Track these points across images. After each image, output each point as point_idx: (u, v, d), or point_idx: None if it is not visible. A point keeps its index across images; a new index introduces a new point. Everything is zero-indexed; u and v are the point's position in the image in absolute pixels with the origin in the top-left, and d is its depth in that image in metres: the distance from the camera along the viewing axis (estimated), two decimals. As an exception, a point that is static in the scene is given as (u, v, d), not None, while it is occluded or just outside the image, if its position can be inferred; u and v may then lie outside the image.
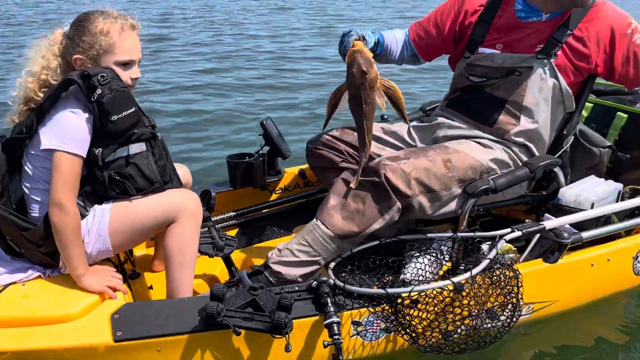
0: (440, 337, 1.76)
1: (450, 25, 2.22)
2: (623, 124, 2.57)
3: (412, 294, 1.72)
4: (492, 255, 1.77)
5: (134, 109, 1.71)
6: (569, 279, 2.06)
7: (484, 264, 1.75)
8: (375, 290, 1.71)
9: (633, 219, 2.18)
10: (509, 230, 1.93)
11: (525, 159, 2.12)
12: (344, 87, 1.89)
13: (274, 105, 5.57)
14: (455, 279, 1.70)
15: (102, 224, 1.73)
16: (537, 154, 2.13)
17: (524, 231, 1.91)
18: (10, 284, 1.68)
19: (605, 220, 2.14)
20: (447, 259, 2.06)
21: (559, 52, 2.03)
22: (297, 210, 2.65)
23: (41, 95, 1.69)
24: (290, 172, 2.67)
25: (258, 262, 2.12)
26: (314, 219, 1.98)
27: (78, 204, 1.68)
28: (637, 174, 2.51)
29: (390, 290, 1.70)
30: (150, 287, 2.07)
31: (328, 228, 1.92)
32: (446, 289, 1.72)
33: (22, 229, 1.67)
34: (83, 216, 1.70)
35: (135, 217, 1.75)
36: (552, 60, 2.03)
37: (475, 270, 1.72)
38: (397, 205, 1.92)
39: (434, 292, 1.73)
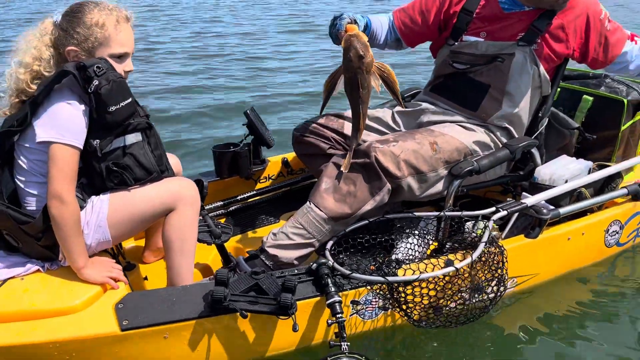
0: (432, 313, 1.84)
1: (436, 14, 2.30)
2: (589, 107, 2.71)
3: (407, 273, 1.80)
4: (486, 238, 1.85)
5: (130, 99, 1.71)
6: (549, 252, 2.18)
7: (481, 247, 1.81)
8: (380, 278, 1.74)
9: (602, 195, 2.33)
10: (493, 209, 2.03)
11: (505, 141, 2.22)
12: (340, 71, 1.91)
13: (253, 95, 5.60)
14: (458, 266, 1.76)
15: (101, 215, 1.72)
16: (516, 136, 2.24)
17: (509, 210, 2.01)
18: (9, 278, 1.66)
19: (578, 196, 2.28)
20: (432, 238, 2.16)
21: (539, 40, 2.14)
22: (283, 198, 2.69)
23: (34, 87, 1.66)
24: (273, 161, 2.70)
25: (249, 249, 2.16)
26: (307, 202, 2.02)
27: (76, 195, 1.67)
28: (603, 153, 2.67)
29: (392, 279, 1.75)
30: (145, 278, 2.07)
31: (321, 210, 1.96)
32: (448, 275, 1.78)
33: (21, 223, 1.65)
34: (81, 208, 1.69)
35: (135, 207, 1.75)
36: (532, 47, 2.14)
37: (475, 255, 1.78)
38: (387, 187, 1.98)
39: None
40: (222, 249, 2.08)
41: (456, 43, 2.26)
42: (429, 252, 2.11)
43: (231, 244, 2.32)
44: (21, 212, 1.67)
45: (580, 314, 2.19)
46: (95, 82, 1.61)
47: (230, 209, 2.54)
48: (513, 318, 2.14)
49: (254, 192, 2.61)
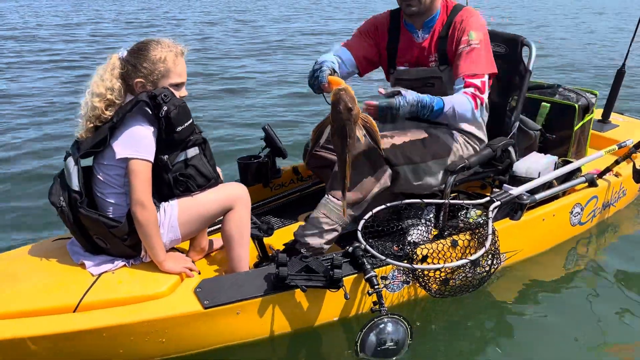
0: (443, 285, 2.25)
1: (374, 51, 2.65)
2: (547, 112, 3.23)
3: (423, 253, 2.21)
4: (490, 229, 2.26)
5: (191, 120, 2.06)
6: (528, 231, 2.65)
7: (490, 239, 2.21)
8: (417, 266, 2.13)
9: (566, 183, 2.83)
10: (488, 199, 2.47)
11: (473, 138, 2.63)
12: (327, 121, 2.01)
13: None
14: (473, 257, 2.15)
15: (172, 218, 2.05)
16: (478, 134, 2.63)
17: (502, 200, 2.46)
18: (102, 273, 1.96)
19: (548, 185, 2.77)
20: (432, 224, 2.59)
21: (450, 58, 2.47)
22: (297, 201, 3.06)
23: (108, 112, 1.97)
24: (285, 170, 3.08)
25: (275, 246, 2.53)
26: (325, 196, 2.39)
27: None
28: (561, 150, 3.20)
29: (420, 267, 2.13)
30: (199, 273, 2.39)
31: (339, 200, 2.33)
32: (467, 265, 2.18)
33: (109, 227, 1.95)
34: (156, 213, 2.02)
35: (200, 209, 2.10)
36: (449, 67, 2.48)
37: (487, 244, 2.19)
38: (388, 171, 2.38)
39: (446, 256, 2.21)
40: (261, 244, 2.43)
41: (395, 71, 2.65)
42: (431, 236, 2.53)
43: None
44: (110, 218, 1.98)
45: (553, 282, 2.68)
46: (165, 108, 1.94)
47: (254, 213, 2.88)
48: (503, 287, 2.59)
49: (273, 198, 2.98)
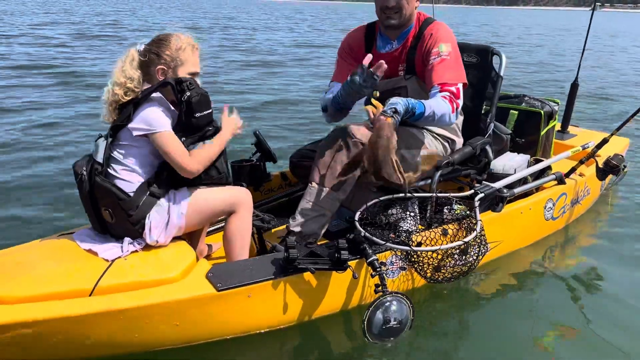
0: (435, 271, 2.38)
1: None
2: (515, 118, 3.49)
3: (417, 239, 2.34)
4: (479, 217, 2.44)
5: (210, 110, 2.17)
6: (508, 223, 2.84)
7: (479, 225, 2.38)
8: (416, 247, 2.27)
9: (539, 179, 3.05)
10: (472, 192, 2.65)
11: (439, 137, 2.77)
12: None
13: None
14: (467, 239, 2.30)
15: (182, 205, 2.12)
16: (450, 135, 2.80)
17: (486, 192, 2.64)
18: (115, 259, 1.99)
19: (523, 181, 2.98)
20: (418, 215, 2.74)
21: (418, 69, 2.61)
22: (286, 205, 3.14)
23: (127, 98, 2.08)
24: (274, 175, 3.18)
25: (272, 241, 2.59)
26: (310, 184, 2.50)
27: (155, 190, 2.08)
28: (529, 153, 3.43)
29: (418, 248, 2.27)
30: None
31: (324, 186, 2.45)
32: (460, 247, 2.32)
33: (119, 199, 2.02)
34: (164, 196, 2.09)
35: (208, 203, 2.17)
36: (414, 76, 2.63)
37: (478, 228, 2.35)
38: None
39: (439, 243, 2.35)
40: (260, 237, 2.50)
41: None
42: (420, 226, 2.67)
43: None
44: (121, 189, 2.04)
45: (533, 272, 2.87)
46: (188, 93, 2.06)
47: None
48: (488, 274, 2.76)
49: (263, 201, 3.06)
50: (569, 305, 2.60)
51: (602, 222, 3.60)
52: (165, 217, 2.08)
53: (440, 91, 2.44)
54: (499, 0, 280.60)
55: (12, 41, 13.23)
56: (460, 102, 2.47)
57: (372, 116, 2.15)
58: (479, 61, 3.15)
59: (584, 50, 4.10)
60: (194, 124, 2.10)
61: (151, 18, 19.95)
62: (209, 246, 2.62)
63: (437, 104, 2.38)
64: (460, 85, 2.49)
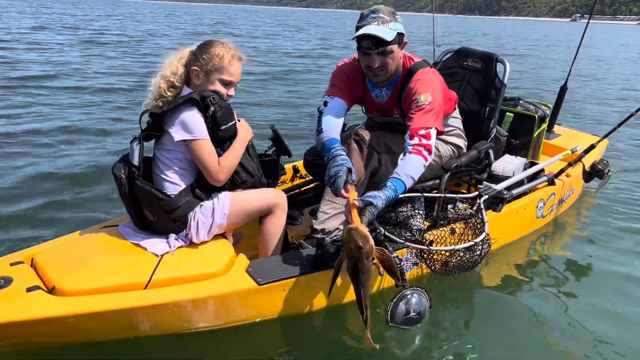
0: (444, 266, 2.62)
1: (352, 95, 2.82)
2: (510, 121, 3.73)
3: (429, 238, 2.57)
4: (485, 218, 2.66)
5: (234, 121, 2.31)
6: (506, 221, 3.10)
7: (486, 227, 2.61)
8: (434, 248, 2.48)
9: (533, 181, 3.32)
10: (477, 193, 2.88)
11: (441, 142, 2.95)
12: (343, 257, 2.04)
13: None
14: (476, 240, 2.53)
15: (224, 206, 2.28)
16: (448, 139, 2.97)
17: (489, 194, 2.88)
18: (164, 254, 2.15)
19: (520, 183, 3.23)
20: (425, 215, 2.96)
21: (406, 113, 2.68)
22: (300, 196, 3.33)
23: (169, 93, 2.21)
24: (287, 168, 3.34)
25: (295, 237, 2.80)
26: (327, 186, 2.66)
27: (199, 192, 2.24)
28: (522, 153, 3.69)
29: (434, 248, 2.49)
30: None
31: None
32: (470, 247, 2.55)
33: (159, 199, 2.17)
34: (207, 199, 2.25)
35: (247, 205, 2.34)
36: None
37: (486, 229, 2.58)
38: (375, 157, 2.71)
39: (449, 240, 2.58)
40: (285, 234, 2.68)
41: (368, 113, 3.01)
42: (426, 222, 2.89)
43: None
44: (162, 191, 2.19)
45: (524, 261, 3.16)
46: (212, 109, 2.20)
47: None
48: (490, 267, 3.02)
49: (279, 193, 3.23)
50: (555, 285, 2.91)
51: (582, 215, 3.93)
52: (209, 218, 2.23)
53: (410, 138, 2.48)
54: (481, 10, 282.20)
55: None
56: (432, 143, 2.48)
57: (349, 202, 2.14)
58: (483, 67, 3.35)
59: (575, 56, 4.36)
60: (220, 136, 2.25)
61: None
62: (235, 235, 2.78)
63: (412, 167, 2.40)
64: (431, 130, 2.50)
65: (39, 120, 6.14)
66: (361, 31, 2.47)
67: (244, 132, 2.38)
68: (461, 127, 3.05)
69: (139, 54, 13.80)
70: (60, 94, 7.85)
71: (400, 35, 2.56)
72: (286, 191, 3.30)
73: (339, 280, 2.37)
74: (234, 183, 2.34)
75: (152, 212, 2.20)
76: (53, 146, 5.19)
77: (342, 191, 2.20)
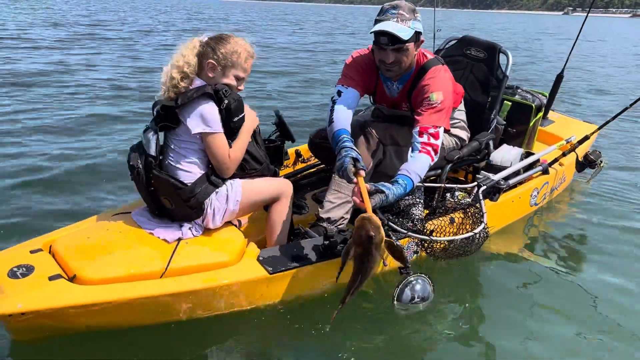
0: (443, 253, 2.73)
1: (365, 85, 2.85)
2: (508, 109, 3.80)
3: (430, 227, 2.67)
4: (484, 208, 2.76)
5: (244, 113, 2.35)
6: (502, 210, 3.21)
7: (485, 217, 2.70)
8: (436, 238, 2.56)
9: (529, 171, 3.42)
10: (475, 184, 2.97)
11: (459, 137, 3.08)
12: (351, 244, 2.07)
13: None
14: (476, 231, 2.61)
15: (237, 193, 2.35)
16: (454, 132, 3.06)
17: (487, 184, 2.97)
18: (178, 241, 2.22)
19: (516, 173, 3.33)
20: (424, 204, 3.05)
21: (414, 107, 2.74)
22: (302, 179, 3.40)
23: (183, 84, 2.24)
24: (290, 152, 3.40)
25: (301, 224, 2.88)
26: (333, 175, 2.74)
27: (215, 179, 2.31)
28: (517, 142, 3.78)
29: (437, 238, 2.57)
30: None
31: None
32: (469, 237, 2.64)
33: (176, 188, 2.23)
34: (219, 185, 2.32)
35: (257, 193, 2.41)
36: None
37: (485, 219, 2.67)
38: (381, 149, 2.79)
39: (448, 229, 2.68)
40: (291, 222, 2.76)
41: (375, 104, 3.06)
42: (425, 211, 2.99)
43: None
44: (178, 180, 2.25)
45: (517, 246, 3.30)
46: (226, 101, 2.24)
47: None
48: (486, 252, 3.15)
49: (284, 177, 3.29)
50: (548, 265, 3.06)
51: (572, 201, 4.07)
52: (224, 204, 2.30)
53: (419, 134, 2.53)
54: (474, 3, 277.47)
55: None
56: (439, 143, 2.54)
57: (356, 189, 2.20)
58: (486, 57, 3.40)
59: (573, 46, 4.42)
60: (232, 127, 2.30)
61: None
62: (239, 222, 2.86)
63: (421, 165, 2.47)
64: (440, 129, 2.56)
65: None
66: (379, 26, 2.50)
67: (249, 121, 2.42)
68: (465, 119, 3.13)
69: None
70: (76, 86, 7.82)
71: (417, 34, 2.60)
72: (289, 176, 3.38)
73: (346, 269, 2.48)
74: (243, 170, 2.40)
75: (170, 201, 2.26)
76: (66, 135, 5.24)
77: (354, 179, 2.25)
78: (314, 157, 3.46)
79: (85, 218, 2.45)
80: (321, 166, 3.46)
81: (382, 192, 2.24)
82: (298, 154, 3.46)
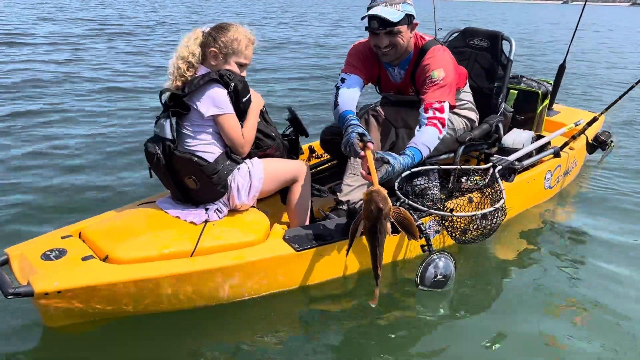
0: (463, 234, 2.74)
1: (369, 74, 2.93)
2: (515, 97, 3.86)
3: (450, 206, 2.69)
4: (502, 187, 2.79)
5: (250, 94, 2.42)
6: (518, 191, 3.23)
7: (504, 193, 2.73)
8: (457, 214, 2.58)
9: (541, 153, 3.46)
10: (490, 165, 3.01)
11: (454, 115, 3.07)
12: (361, 217, 2.12)
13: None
14: (497, 206, 2.64)
15: (259, 171, 2.39)
16: (461, 112, 3.10)
17: (503, 165, 3.01)
18: (205, 222, 2.26)
19: (529, 155, 3.37)
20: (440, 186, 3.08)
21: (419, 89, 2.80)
22: (317, 175, 3.44)
23: (189, 73, 2.30)
24: (304, 148, 3.45)
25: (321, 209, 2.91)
26: (348, 160, 2.80)
27: (235, 157, 2.36)
28: (525, 128, 3.83)
29: (458, 214, 2.59)
30: None
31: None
32: (490, 212, 2.67)
33: (200, 165, 2.27)
34: (240, 162, 2.38)
35: (278, 172, 2.46)
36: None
37: (504, 195, 2.70)
38: (393, 131, 2.85)
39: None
40: (310, 207, 2.79)
41: (383, 92, 3.12)
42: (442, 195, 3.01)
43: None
44: (200, 157, 2.29)
45: (534, 229, 3.31)
46: (232, 84, 2.31)
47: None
48: (504, 234, 3.16)
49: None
50: (564, 255, 3.04)
51: (584, 186, 4.08)
52: (247, 180, 2.35)
53: (425, 109, 2.60)
54: None
55: None
56: (445, 116, 2.60)
57: (365, 162, 2.24)
58: (490, 45, 3.48)
59: (573, 36, 4.51)
60: (242, 108, 2.36)
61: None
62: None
63: (428, 137, 2.53)
64: (445, 104, 2.62)
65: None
66: (369, 12, 2.60)
67: (256, 101, 2.48)
68: (472, 100, 3.18)
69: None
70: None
71: (409, 16, 2.66)
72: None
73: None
74: (258, 147, 2.46)
75: (195, 180, 2.30)
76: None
77: (361, 152, 2.28)
78: (326, 154, 3.51)
79: (111, 209, 2.49)
80: (334, 162, 3.50)
81: (387, 161, 2.30)
82: (312, 150, 3.51)
